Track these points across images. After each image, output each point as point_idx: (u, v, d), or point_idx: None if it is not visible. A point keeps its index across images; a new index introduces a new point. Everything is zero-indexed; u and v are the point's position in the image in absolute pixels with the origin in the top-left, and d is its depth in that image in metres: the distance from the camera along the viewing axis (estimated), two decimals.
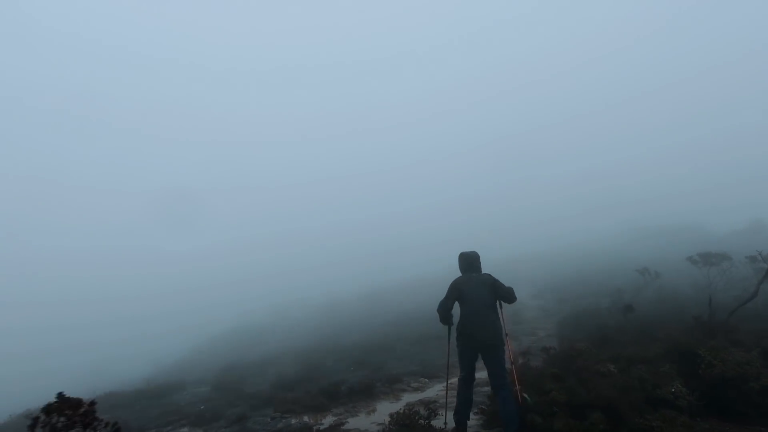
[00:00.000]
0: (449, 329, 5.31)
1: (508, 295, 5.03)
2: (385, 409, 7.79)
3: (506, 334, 5.07)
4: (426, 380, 9.42)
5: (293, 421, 7.17)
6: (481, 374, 9.45)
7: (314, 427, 6.87)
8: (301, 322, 33.10)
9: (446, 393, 6.49)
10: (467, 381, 5.16)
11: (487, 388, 8.14)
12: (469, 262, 5.34)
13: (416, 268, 38.93)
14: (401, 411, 5.85)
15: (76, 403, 3.94)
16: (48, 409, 3.81)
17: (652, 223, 41.37)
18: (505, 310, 5.23)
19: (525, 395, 5.32)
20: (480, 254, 5.53)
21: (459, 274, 5.36)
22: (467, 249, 5.56)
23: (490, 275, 5.25)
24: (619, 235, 40.96)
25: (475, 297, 5.02)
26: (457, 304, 5.14)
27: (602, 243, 39.51)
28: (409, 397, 8.32)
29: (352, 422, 7.12)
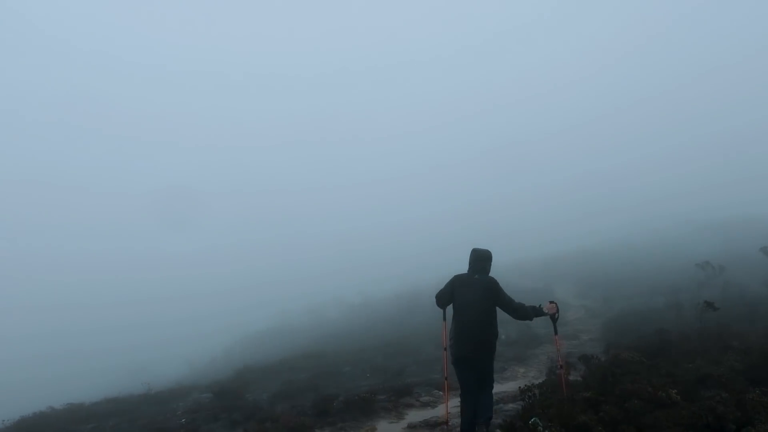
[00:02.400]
0: (444, 314, 4.92)
1: (513, 310, 4.59)
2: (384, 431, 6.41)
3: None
4: (440, 393, 7.94)
5: None
6: (504, 387, 7.95)
7: None
8: (334, 322, 32.19)
9: (446, 411, 5.29)
10: (466, 397, 4.63)
11: (511, 406, 6.67)
12: (478, 259, 4.78)
13: (447, 268, 37.16)
14: None
15: None
16: None
17: (705, 216, 37.90)
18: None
19: (536, 419, 4.23)
20: (500, 254, 5.16)
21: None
22: (480, 246, 4.93)
23: (493, 280, 4.68)
24: (669, 229, 37.87)
25: (466, 303, 4.58)
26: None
27: (651, 237, 36.63)
28: (414, 415, 6.90)
29: None
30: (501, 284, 4.67)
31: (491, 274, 4.80)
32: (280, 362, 16.16)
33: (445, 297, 4.74)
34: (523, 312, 4.56)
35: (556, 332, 5.08)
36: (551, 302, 4.82)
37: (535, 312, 4.60)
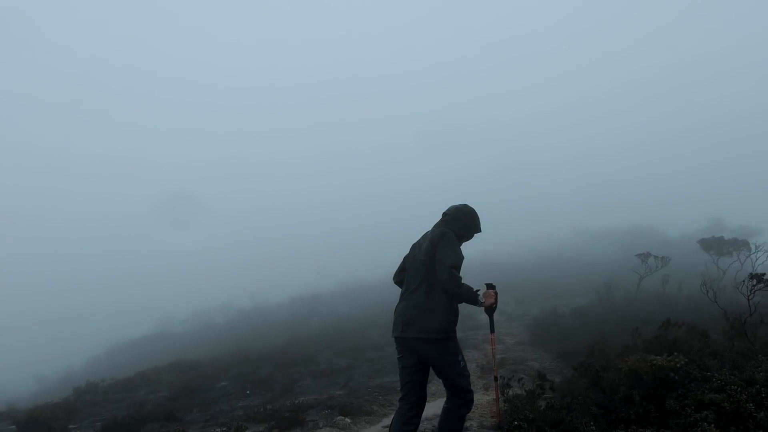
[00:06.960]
0: None
1: (444, 273, 2.97)
2: None
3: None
4: (346, 420, 5.55)
5: None
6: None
7: None
8: (220, 329, 29.00)
9: None
10: (403, 407, 3.09)
11: None
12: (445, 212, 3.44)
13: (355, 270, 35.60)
14: None
15: None
16: None
17: (601, 227, 39.76)
18: None
19: None
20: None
21: None
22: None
23: (444, 230, 3.16)
24: (568, 238, 39.02)
25: (410, 265, 3.31)
26: None
27: (551, 245, 37.38)
28: None
29: None
30: (453, 239, 3.11)
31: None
32: (138, 376, 12.79)
33: (398, 269, 3.46)
34: (453, 282, 2.95)
35: (492, 329, 3.56)
36: (490, 287, 3.26)
37: (470, 296, 3.05)
